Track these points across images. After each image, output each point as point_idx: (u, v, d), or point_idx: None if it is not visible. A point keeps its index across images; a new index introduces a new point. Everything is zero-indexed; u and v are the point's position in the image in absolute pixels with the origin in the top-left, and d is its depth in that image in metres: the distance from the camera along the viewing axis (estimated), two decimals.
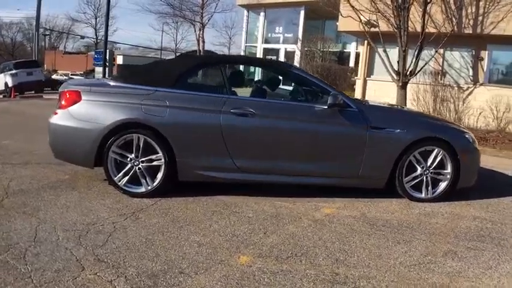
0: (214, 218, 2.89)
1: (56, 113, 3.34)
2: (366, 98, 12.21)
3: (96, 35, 34.83)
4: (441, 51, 10.57)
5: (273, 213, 3.06)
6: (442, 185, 3.58)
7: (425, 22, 10.16)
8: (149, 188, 3.20)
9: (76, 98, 3.25)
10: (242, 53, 21.02)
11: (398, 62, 10.36)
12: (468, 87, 11.48)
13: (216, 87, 3.69)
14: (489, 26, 11.06)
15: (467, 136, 3.72)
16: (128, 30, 77.07)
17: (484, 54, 12.41)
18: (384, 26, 10.47)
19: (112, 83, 3.48)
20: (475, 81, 12.14)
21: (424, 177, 3.54)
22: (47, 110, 4.32)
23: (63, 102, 3.30)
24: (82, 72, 33.06)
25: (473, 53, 12.44)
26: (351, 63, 17.77)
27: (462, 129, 3.96)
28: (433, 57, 10.93)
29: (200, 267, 2.15)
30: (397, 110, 4.86)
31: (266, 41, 19.98)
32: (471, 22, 11.40)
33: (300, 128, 3.36)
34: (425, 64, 10.78)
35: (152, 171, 3.21)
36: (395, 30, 10.21)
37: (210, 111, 3.24)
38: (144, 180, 3.20)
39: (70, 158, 3.46)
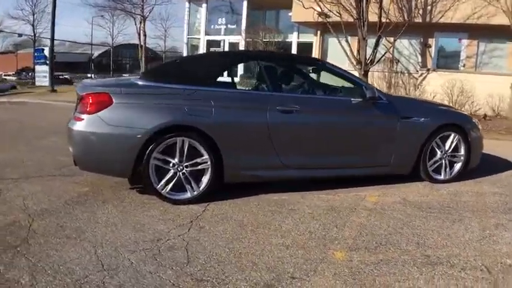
0: (277, 218, 2.94)
1: (79, 119, 3.05)
2: None
3: (34, 31, 32.06)
4: (392, 40, 11.49)
5: (328, 207, 3.20)
6: (457, 167, 4.04)
7: (381, 13, 10.94)
8: (195, 193, 3.13)
9: (106, 102, 3.00)
10: (184, 46, 21.10)
11: (359, 51, 11.04)
12: (422, 74, 12.62)
13: (258, 84, 3.68)
14: (437, 14, 12.23)
15: (474, 120, 4.22)
16: (66, 25, 70.46)
17: (432, 41, 13.72)
18: (340, 17, 11.06)
19: (141, 83, 3.27)
20: (424, 67, 13.40)
21: (443, 161, 3.95)
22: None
23: (89, 107, 3.02)
24: (14, 72, 31.18)
25: (421, 40, 13.66)
26: (293, 52, 18.47)
27: (467, 114, 4.47)
28: (392, 46, 11.81)
29: (307, 269, 2.20)
30: (416, 100, 5.26)
31: (209, 33, 20.20)
32: (421, 11, 12.51)
33: (340, 121, 3.54)
34: (386, 52, 11.63)
35: (196, 176, 3.13)
36: (356, 20, 10.84)
37: (256, 109, 3.26)
38: (189, 186, 3.11)
39: (102, 169, 3.21)
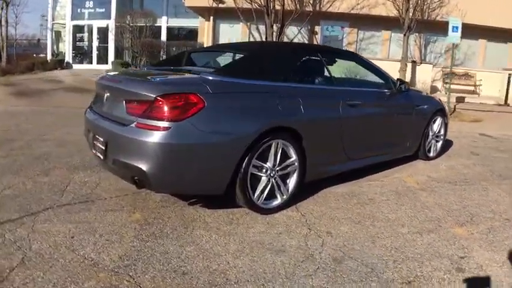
0: (371, 209, 3.21)
1: (156, 128, 2.48)
2: None
3: None
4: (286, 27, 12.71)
5: (391, 192, 3.65)
6: (439, 145, 5.07)
7: (284, 2, 11.84)
8: (284, 197, 3.08)
9: (197, 104, 2.56)
10: (48, 32, 18.93)
11: (266, 38, 11.74)
12: None
13: (326, 79, 3.74)
14: (326, 4, 13.91)
15: (444, 105, 5.33)
16: None
17: (318, 29, 15.53)
18: (235, 3, 11.57)
19: (225, 80, 2.85)
20: None
21: (433, 141, 4.92)
22: None
23: (175, 111, 2.51)
24: None
25: (309, 28, 15.33)
26: (163, 38, 18.59)
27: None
28: (298, 33, 12.92)
29: (461, 246, 2.65)
30: (415, 89, 5.90)
31: (76, 18, 19.16)
32: (311, 1, 14.00)
33: (383, 111, 4.01)
34: (293, 39, 12.63)
35: (282, 179, 3.08)
36: (263, 8, 11.45)
37: (332, 104, 3.40)
38: (279, 191, 3.09)
39: (190, 187, 2.75)
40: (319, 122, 3.23)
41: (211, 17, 14.47)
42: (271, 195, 3.02)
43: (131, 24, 16.31)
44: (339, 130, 3.43)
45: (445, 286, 2.20)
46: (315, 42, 15.61)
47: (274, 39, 11.69)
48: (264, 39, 11.45)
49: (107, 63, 18.48)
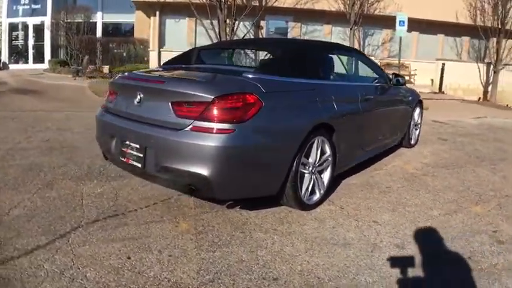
0: (392, 196, 3.46)
1: (219, 131, 2.39)
2: None
3: None
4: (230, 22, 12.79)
5: (398, 179, 3.95)
6: (417, 133, 5.54)
7: None
8: (322, 192, 3.16)
9: (256, 104, 2.52)
10: None
11: (219, 33, 11.71)
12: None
13: (345, 75, 3.81)
14: None
15: None
16: None
17: (263, 24, 15.79)
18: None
19: (271, 78, 2.82)
20: None
21: (413, 129, 5.35)
22: None
23: (234, 113, 2.44)
24: None
25: (254, 22, 15.51)
26: (99, 34, 17.78)
27: None
28: (251, 29, 12.98)
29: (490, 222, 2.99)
30: None
31: (11, 15, 17.94)
32: None
33: (386, 104, 4.28)
34: (245, 34, 12.71)
35: (319, 175, 3.16)
36: (216, 3, 11.37)
37: (355, 100, 3.55)
38: (318, 186, 3.12)
39: (250, 191, 2.71)
40: (346, 117, 3.38)
41: (158, 12, 13.93)
42: (312, 191, 3.09)
43: (66, 21, 15.19)
44: (358, 124, 3.61)
45: (497, 257, 2.49)
46: (260, 37, 15.81)
47: (227, 34, 11.65)
48: (218, 35, 11.34)
49: (43, 63, 17.17)
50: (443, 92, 13.75)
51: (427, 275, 2.26)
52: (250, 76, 2.73)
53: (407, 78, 15.86)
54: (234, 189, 2.61)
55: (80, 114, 6.84)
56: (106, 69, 13.53)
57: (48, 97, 9.39)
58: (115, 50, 14.12)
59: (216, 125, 2.41)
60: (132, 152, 2.76)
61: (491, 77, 14.54)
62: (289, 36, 15.89)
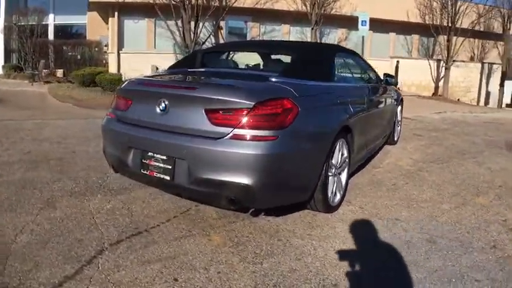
0: (401, 193, 3.62)
1: (263, 138, 2.35)
2: (122, 72, 12.70)
3: None
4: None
5: (399, 176, 4.14)
6: (399, 130, 5.81)
7: None
8: (341, 193, 3.23)
9: (293, 109, 2.50)
10: None
11: (184, 34, 11.54)
12: (231, 53, 14.36)
13: (353, 77, 3.85)
14: None
15: None
16: None
17: (223, 24, 15.72)
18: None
19: (298, 82, 2.81)
20: None
21: (397, 127, 5.61)
22: None
23: (276, 119, 2.40)
24: None
25: (214, 23, 15.42)
26: (50, 36, 16.88)
27: None
28: (214, 30, 12.83)
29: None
30: None
31: None
32: None
33: (382, 103, 4.43)
34: (210, 35, 12.57)
35: (339, 176, 3.22)
36: (179, 3, 11.18)
37: (364, 102, 3.64)
38: (338, 188, 3.17)
39: (288, 198, 2.70)
40: (358, 118, 3.48)
41: (116, 13, 13.34)
42: (334, 193, 3.15)
43: (19, 24, 14.06)
44: (365, 123, 3.73)
45: None
46: (220, 38, 15.74)
47: (191, 35, 11.47)
48: (182, 36, 11.11)
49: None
50: (399, 89, 14.51)
51: (468, 265, 2.38)
52: (281, 80, 2.71)
53: None
54: (274, 197, 2.59)
55: (50, 122, 6.42)
56: (60, 73, 12.75)
57: (11, 105, 8.80)
58: (69, 53, 13.32)
59: (259, 132, 2.37)
60: (157, 164, 2.63)
61: (442, 73, 15.59)
62: (248, 37, 15.94)
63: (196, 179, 2.47)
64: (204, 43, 12.37)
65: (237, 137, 2.37)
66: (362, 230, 2.84)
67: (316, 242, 2.62)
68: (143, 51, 12.72)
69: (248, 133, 2.37)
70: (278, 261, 2.37)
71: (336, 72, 3.53)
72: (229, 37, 15.75)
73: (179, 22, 11.51)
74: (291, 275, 2.23)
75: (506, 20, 15.15)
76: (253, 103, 2.38)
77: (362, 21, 10.01)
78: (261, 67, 4.00)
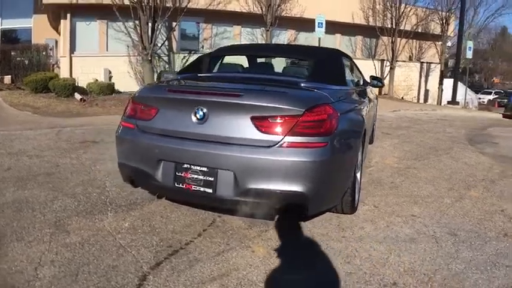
0: (403, 190, 3.86)
1: (315, 144, 2.37)
2: (75, 76, 12.04)
3: None
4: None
5: (394, 174, 4.40)
6: (375, 128, 6.12)
7: None
8: (359, 193, 3.35)
9: (335, 115, 2.53)
10: None
11: (142, 35, 11.16)
12: (185, 56, 14.10)
13: (353, 80, 3.93)
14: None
15: None
16: None
17: (176, 25, 15.35)
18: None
19: (329, 87, 2.89)
20: (170, 50, 15.00)
21: (374, 126, 5.91)
22: None
23: (324, 125, 2.43)
24: None
25: (167, 24, 15.05)
26: None
27: None
28: (167, 31, 12.46)
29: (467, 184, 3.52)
30: None
31: None
32: None
33: (370, 105, 4.61)
34: (167, 38, 12.21)
35: None
36: (136, 4, 10.76)
37: (365, 103, 3.82)
38: (358, 189, 3.27)
39: (331, 203, 2.74)
40: (364, 120, 3.59)
41: (69, 15, 12.42)
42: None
43: None
44: (367, 124, 3.87)
45: None
46: (173, 39, 15.36)
47: (149, 37, 11.10)
48: (140, 37, 10.70)
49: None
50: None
51: (493, 253, 2.61)
52: (314, 86, 2.76)
53: None
54: (322, 204, 2.64)
55: (17, 133, 5.88)
56: (8, 79, 11.60)
57: None
58: (18, 58, 12.16)
59: (310, 139, 2.39)
60: (195, 176, 2.52)
61: (386, 73, 16.61)
62: (201, 38, 15.74)
63: (245, 189, 2.41)
64: (162, 45, 12.02)
65: (289, 145, 2.37)
66: (389, 228, 2.99)
67: (354, 244, 2.71)
68: (96, 54, 12.05)
69: (300, 140, 2.38)
70: (330, 266, 2.42)
71: (348, 77, 3.67)
72: (182, 39, 15.44)
73: (131, 23, 11.06)
74: (350, 278, 2.30)
75: (444, 22, 16.56)
76: (303, 110, 2.39)
77: (319, 23, 10.38)
78: (275, 71, 3.95)
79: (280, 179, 2.36)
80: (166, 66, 14.32)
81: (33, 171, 4.06)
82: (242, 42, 16.66)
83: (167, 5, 12.90)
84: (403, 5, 15.52)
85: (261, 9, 13.31)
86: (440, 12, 16.74)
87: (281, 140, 2.37)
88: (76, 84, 10.42)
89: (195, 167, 2.51)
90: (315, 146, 2.39)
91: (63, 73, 12.23)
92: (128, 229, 2.86)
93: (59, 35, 13.33)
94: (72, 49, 12.71)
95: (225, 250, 2.59)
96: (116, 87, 11.33)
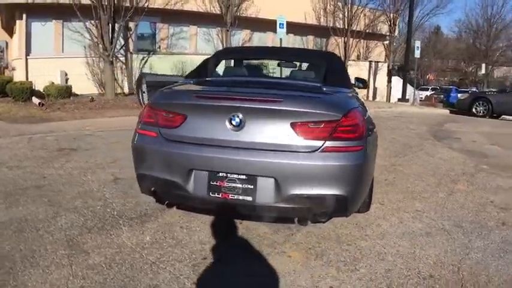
0: (399, 187, 4.09)
1: (353, 149, 2.42)
2: (31, 79, 11.26)
3: None
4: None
5: (386, 173, 4.62)
6: None
7: None
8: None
9: (363, 119, 2.62)
10: None
11: (102, 36, 10.68)
12: (144, 57, 13.61)
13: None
14: None
15: None
16: None
17: (132, 25, 14.81)
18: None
19: (346, 90, 3.02)
20: (127, 50, 14.46)
21: None
22: None
23: (359, 129, 2.48)
24: None
25: (124, 24, 14.46)
26: None
27: None
28: (123, 31, 11.93)
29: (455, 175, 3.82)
30: None
31: None
32: None
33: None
34: (126, 38, 11.71)
35: None
36: (96, 3, 10.26)
37: (363, 104, 3.90)
38: None
39: (359, 205, 2.77)
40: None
41: (24, 15, 11.41)
42: None
43: None
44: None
45: None
46: (130, 40, 14.76)
47: (110, 37, 10.62)
48: (100, 38, 10.19)
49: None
50: None
51: (500, 240, 2.86)
52: (334, 90, 2.87)
53: None
54: (357, 204, 2.70)
55: None
56: None
57: None
58: None
59: (349, 143, 2.45)
60: (233, 184, 2.47)
61: None
62: (158, 38, 15.31)
63: (287, 195, 2.41)
64: (123, 46, 11.52)
65: (330, 150, 2.40)
66: (403, 224, 3.17)
67: (379, 241, 2.85)
68: (51, 56, 11.27)
69: (340, 145, 2.43)
70: (369, 265, 2.52)
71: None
72: (139, 39, 14.90)
73: (88, 24, 10.49)
74: (390, 274, 2.42)
75: (391, 23, 17.50)
76: (341, 115, 2.44)
77: (280, 23, 10.53)
78: (288, 75, 3.97)
79: (323, 183, 2.40)
80: (124, 67, 13.74)
81: (19, 184, 3.74)
82: (199, 43, 16.48)
83: (126, 4, 12.40)
84: (355, 6, 16.20)
85: (221, 9, 13.19)
86: (388, 14, 17.69)
87: (322, 145, 2.40)
88: (33, 87, 9.67)
89: (232, 175, 2.45)
90: (354, 150, 2.46)
91: (19, 76, 11.35)
92: (151, 243, 2.73)
93: (11, 37, 12.32)
94: (28, 51, 11.79)
95: (263, 257, 2.59)
96: (73, 90, 10.67)
